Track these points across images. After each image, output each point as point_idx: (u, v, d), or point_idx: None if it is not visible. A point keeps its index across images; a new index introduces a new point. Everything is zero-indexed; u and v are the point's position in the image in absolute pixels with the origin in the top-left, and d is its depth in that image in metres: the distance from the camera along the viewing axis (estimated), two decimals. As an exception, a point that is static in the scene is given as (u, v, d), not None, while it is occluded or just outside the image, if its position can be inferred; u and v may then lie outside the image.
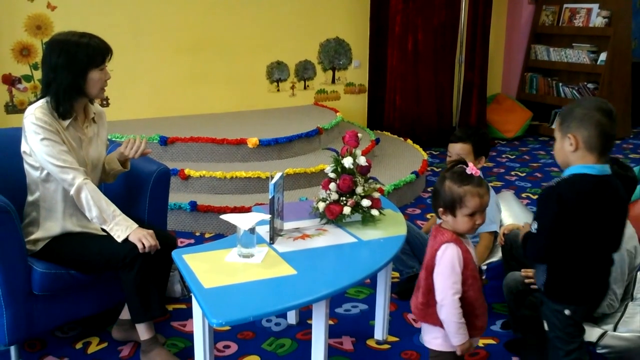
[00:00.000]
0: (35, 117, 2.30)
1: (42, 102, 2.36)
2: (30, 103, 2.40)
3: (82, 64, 2.34)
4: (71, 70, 2.33)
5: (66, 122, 2.38)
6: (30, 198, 2.45)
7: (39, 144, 2.29)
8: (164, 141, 4.32)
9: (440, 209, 1.92)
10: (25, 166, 2.42)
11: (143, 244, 2.30)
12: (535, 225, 1.89)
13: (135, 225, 2.35)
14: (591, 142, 1.80)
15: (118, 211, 2.36)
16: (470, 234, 1.96)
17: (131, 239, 2.31)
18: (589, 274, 1.92)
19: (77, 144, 2.43)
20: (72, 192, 2.31)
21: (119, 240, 2.32)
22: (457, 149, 2.85)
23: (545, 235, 1.86)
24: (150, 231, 2.35)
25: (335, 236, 2.33)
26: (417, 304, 1.98)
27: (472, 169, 1.89)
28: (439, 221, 1.97)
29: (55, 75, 2.33)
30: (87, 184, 2.32)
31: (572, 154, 1.85)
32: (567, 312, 1.90)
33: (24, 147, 2.38)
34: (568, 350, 1.93)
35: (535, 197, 4.70)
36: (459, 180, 1.87)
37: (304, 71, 5.93)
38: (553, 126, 1.90)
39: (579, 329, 1.95)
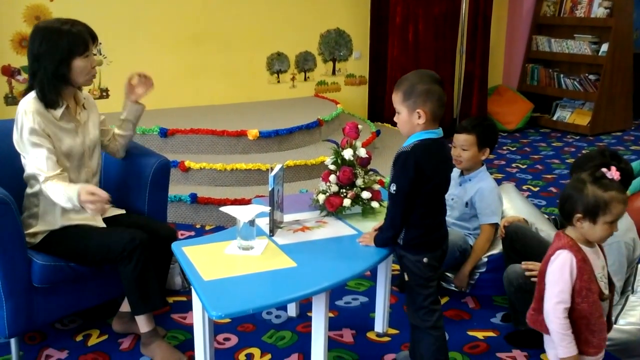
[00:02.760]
0: (25, 113, 2.27)
1: (33, 94, 2.32)
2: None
3: (64, 52, 2.27)
4: (54, 59, 2.27)
5: (59, 112, 2.35)
6: (29, 190, 2.44)
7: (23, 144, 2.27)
8: (164, 133, 4.31)
9: (578, 215, 1.81)
10: (22, 160, 2.39)
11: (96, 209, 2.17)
12: (394, 187, 2.05)
13: (77, 190, 2.18)
14: (435, 113, 2.04)
15: (75, 187, 2.22)
16: (601, 242, 1.91)
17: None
18: (435, 224, 2.14)
19: (73, 131, 2.41)
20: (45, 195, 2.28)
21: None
22: (461, 140, 2.84)
23: (402, 200, 2.04)
24: (89, 186, 2.22)
25: (335, 228, 2.32)
26: (530, 309, 1.96)
27: (613, 173, 1.81)
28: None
29: (39, 65, 2.28)
30: (45, 184, 2.25)
31: (419, 125, 2.04)
32: (425, 260, 2.10)
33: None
34: (427, 294, 2.14)
35: (537, 189, 4.70)
36: (603, 185, 1.78)
37: (304, 62, 5.91)
38: (399, 103, 2.07)
39: (435, 272, 2.16)
